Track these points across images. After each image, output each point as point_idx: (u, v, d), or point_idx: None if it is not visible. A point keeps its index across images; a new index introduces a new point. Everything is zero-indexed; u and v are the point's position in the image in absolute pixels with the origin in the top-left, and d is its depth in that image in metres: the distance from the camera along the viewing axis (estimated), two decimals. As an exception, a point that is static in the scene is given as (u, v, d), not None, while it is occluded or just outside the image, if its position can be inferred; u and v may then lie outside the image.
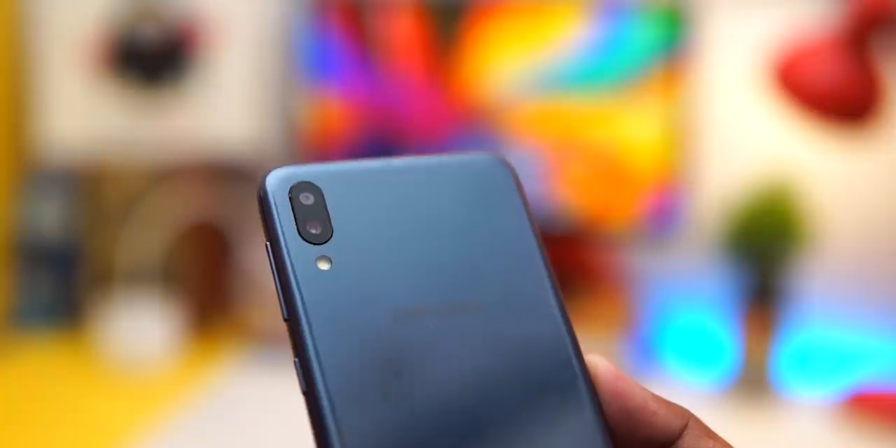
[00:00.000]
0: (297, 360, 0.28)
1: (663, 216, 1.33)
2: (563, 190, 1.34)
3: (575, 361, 0.30)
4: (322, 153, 1.38)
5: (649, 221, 1.33)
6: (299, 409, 1.13)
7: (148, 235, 1.35)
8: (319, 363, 0.28)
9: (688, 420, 0.30)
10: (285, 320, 0.29)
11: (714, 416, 1.16)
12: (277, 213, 0.30)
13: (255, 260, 1.40)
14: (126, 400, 1.15)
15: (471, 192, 0.32)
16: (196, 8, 1.34)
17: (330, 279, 0.29)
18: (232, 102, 1.35)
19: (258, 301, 1.31)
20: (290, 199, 0.31)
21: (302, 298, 0.29)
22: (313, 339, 0.28)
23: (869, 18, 1.06)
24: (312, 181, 0.31)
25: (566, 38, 1.32)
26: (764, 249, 1.23)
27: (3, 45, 1.34)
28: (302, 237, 0.30)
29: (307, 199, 0.31)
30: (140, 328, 1.28)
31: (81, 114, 1.34)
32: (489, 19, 1.34)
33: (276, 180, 0.31)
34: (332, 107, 1.38)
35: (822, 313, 1.38)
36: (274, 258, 0.30)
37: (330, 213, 0.31)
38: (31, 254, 1.37)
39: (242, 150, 1.36)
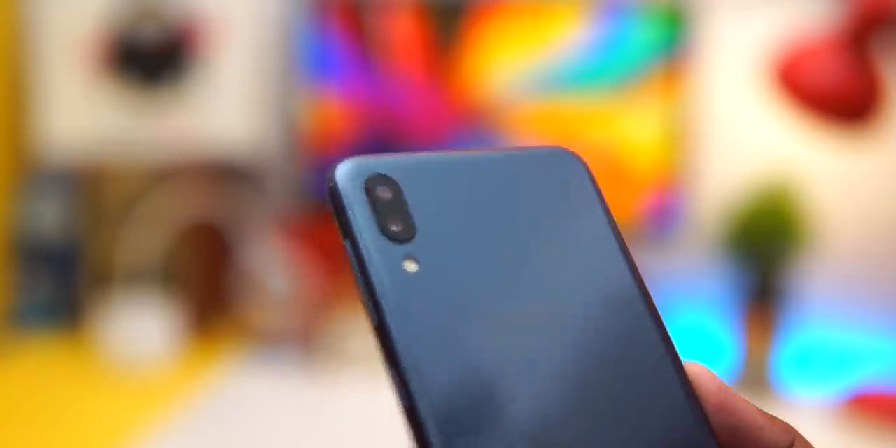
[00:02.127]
0: (393, 372, 0.26)
1: (663, 216, 1.33)
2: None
3: (675, 371, 0.29)
4: (322, 153, 1.38)
5: (649, 221, 1.33)
6: (298, 408, 1.13)
7: (148, 235, 1.35)
8: (421, 378, 0.26)
9: (794, 438, 0.29)
10: (375, 328, 0.27)
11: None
12: (355, 208, 0.28)
13: (255, 260, 1.39)
14: (126, 400, 1.15)
15: (549, 187, 0.31)
16: (196, 8, 1.34)
17: (419, 282, 0.27)
18: (232, 102, 1.35)
19: (258, 301, 1.31)
20: (367, 192, 0.28)
21: (394, 304, 0.26)
22: (411, 350, 0.26)
23: (869, 18, 1.06)
24: (388, 173, 0.29)
25: (566, 38, 1.32)
26: (764, 249, 1.23)
27: (3, 45, 1.34)
28: (385, 235, 0.27)
29: (385, 192, 0.28)
30: (140, 328, 1.28)
31: (81, 114, 1.34)
32: (489, 19, 1.34)
33: (349, 172, 0.28)
34: (332, 107, 1.38)
35: (822, 313, 1.38)
36: (357, 259, 0.27)
37: (410, 208, 0.28)
38: (30, 254, 1.37)
39: (242, 150, 1.36)
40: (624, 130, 1.32)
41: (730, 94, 1.39)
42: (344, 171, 0.28)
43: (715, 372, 0.29)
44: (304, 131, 1.38)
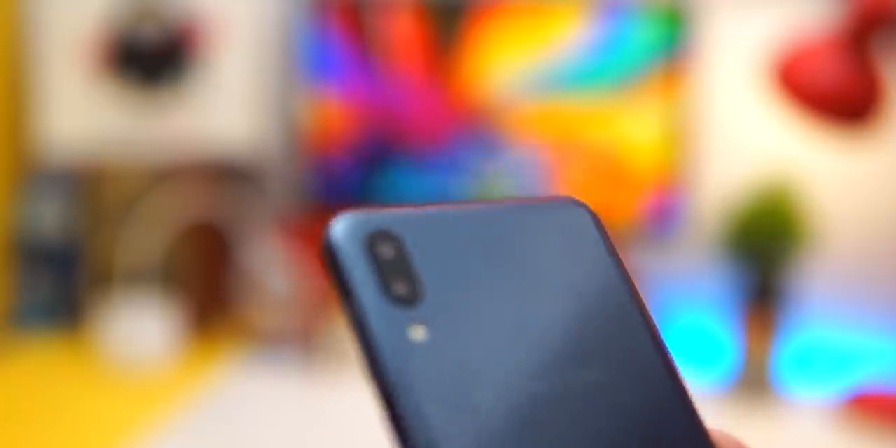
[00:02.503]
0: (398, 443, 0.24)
1: (663, 216, 1.33)
2: (563, 190, 1.34)
3: (702, 439, 0.27)
4: (322, 153, 1.38)
5: (649, 221, 1.33)
6: (298, 408, 1.13)
7: (148, 235, 1.35)
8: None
9: None
10: (381, 401, 0.24)
11: (715, 416, 1.16)
12: (355, 268, 0.25)
13: (255, 260, 1.39)
14: (126, 400, 1.15)
15: (558, 240, 0.29)
16: (196, 8, 1.34)
17: (428, 351, 0.25)
18: (232, 102, 1.35)
19: (258, 301, 1.31)
20: (368, 251, 0.26)
21: (400, 377, 0.24)
22: (420, 424, 0.24)
23: (869, 18, 1.06)
24: (390, 230, 0.26)
25: (566, 38, 1.32)
26: (764, 249, 1.23)
27: (3, 45, 1.34)
28: (388, 299, 0.25)
29: (387, 251, 0.26)
30: (140, 328, 1.28)
31: (81, 114, 1.34)
32: (489, 19, 1.34)
33: (347, 229, 0.26)
34: (332, 107, 1.37)
35: (822, 313, 1.38)
36: (358, 326, 0.25)
37: (414, 268, 0.26)
38: (30, 254, 1.37)
39: (242, 150, 1.35)
40: (624, 130, 1.32)
41: (730, 94, 1.39)
42: (341, 229, 0.26)
43: (739, 441, 0.28)
44: (304, 131, 1.38)
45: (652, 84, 1.31)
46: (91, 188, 1.36)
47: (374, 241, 0.26)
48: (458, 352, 0.25)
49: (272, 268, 1.30)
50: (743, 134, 1.39)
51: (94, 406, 1.13)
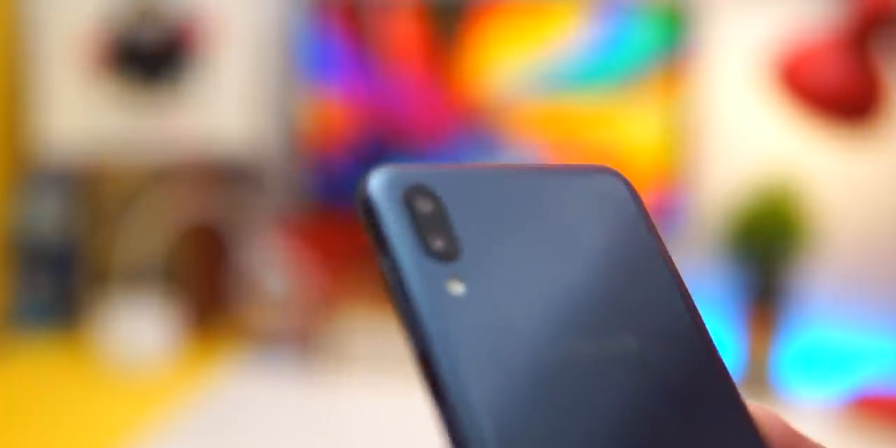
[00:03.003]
0: (439, 405, 0.23)
1: (665, 216, 1.32)
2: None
3: (740, 409, 0.26)
4: (322, 153, 1.38)
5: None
6: (298, 409, 1.12)
7: (147, 235, 1.35)
8: (471, 413, 0.23)
9: None
10: (418, 357, 0.24)
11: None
12: (393, 223, 0.25)
13: (255, 260, 1.39)
14: (125, 400, 1.15)
15: (595, 208, 0.28)
16: (195, 8, 1.34)
17: (466, 306, 0.24)
18: (231, 102, 1.34)
19: (256, 301, 1.30)
20: (406, 205, 0.25)
21: (439, 331, 0.24)
22: (459, 381, 0.23)
23: (870, 18, 1.05)
24: (428, 185, 0.26)
25: (566, 38, 1.32)
26: (766, 249, 1.22)
27: (2, 44, 1.33)
28: (426, 253, 0.25)
29: (425, 205, 0.25)
30: (139, 328, 1.27)
31: (80, 114, 1.34)
32: (489, 19, 1.34)
33: (385, 182, 0.25)
34: (332, 107, 1.37)
35: (824, 313, 1.38)
36: (397, 281, 0.24)
37: (452, 223, 0.26)
38: (29, 254, 1.36)
39: (242, 150, 1.35)
40: (624, 130, 1.32)
41: (731, 93, 1.39)
42: (379, 182, 0.25)
43: (780, 415, 0.27)
44: (304, 131, 1.38)
45: (652, 84, 1.30)
46: (90, 188, 1.36)
47: (411, 195, 0.26)
48: (496, 308, 0.25)
49: (271, 268, 1.29)
50: (744, 133, 1.39)
51: (92, 406, 1.13)
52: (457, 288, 0.25)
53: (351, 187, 1.38)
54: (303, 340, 1.28)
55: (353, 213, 1.37)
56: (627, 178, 0.28)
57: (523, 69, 1.34)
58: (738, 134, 1.39)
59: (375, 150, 1.37)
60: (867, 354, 1.36)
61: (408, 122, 1.36)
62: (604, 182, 0.29)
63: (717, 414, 0.26)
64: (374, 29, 1.36)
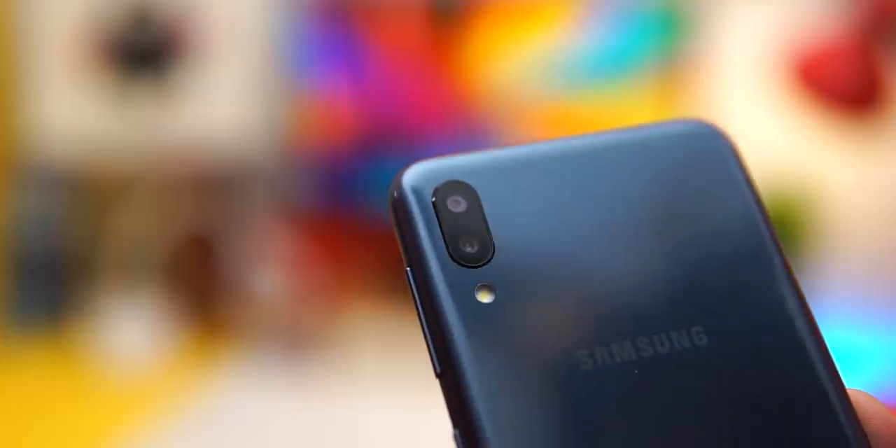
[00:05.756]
0: (463, 429, 0.21)
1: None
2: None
3: (840, 400, 0.24)
4: (317, 154, 1.37)
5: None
6: (291, 413, 1.12)
7: (140, 235, 1.35)
8: (500, 441, 0.21)
9: None
10: (438, 376, 0.22)
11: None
12: (421, 223, 0.23)
13: (248, 262, 1.38)
14: (117, 403, 1.14)
15: (677, 180, 0.24)
16: (190, 6, 1.34)
17: (495, 316, 0.22)
18: (226, 102, 1.35)
19: (250, 304, 1.30)
20: (435, 205, 0.23)
21: (462, 347, 0.22)
22: (485, 408, 0.21)
23: (879, 18, 1.05)
24: (464, 180, 0.23)
25: (566, 38, 1.32)
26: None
27: (-5, 42, 1.33)
28: (454, 258, 0.23)
29: (457, 204, 0.23)
30: (131, 330, 1.26)
31: (74, 112, 1.34)
32: (489, 19, 1.33)
33: (416, 178, 0.23)
34: (327, 106, 1.37)
35: (834, 316, 1.37)
36: (418, 290, 0.22)
37: (489, 222, 0.23)
38: (21, 254, 1.35)
39: (237, 149, 1.35)
40: (627, 131, 1.31)
41: (732, 94, 1.38)
42: (410, 178, 0.23)
43: (879, 399, 0.24)
44: (300, 130, 1.38)
45: (652, 84, 1.31)
46: (84, 187, 1.36)
47: (444, 192, 0.23)
48: (529, 318, 0.22)
49: (265, 269, 1.29)
50: (747, 134, 1.38)
51: (87, 410, 1.12)
52: (485, 297, 0.22)
53: (348, 187, 1.37)
54: (297, 343, 1.28)
55: (351, 214, 1.37)
56: (727, 133, 0.24)
57: (522, 69, 1.33)
58: (740, 134, 1.38)
59: (374, 150, 1.37)
60: (878, 356, 1.36)
61: (406, 122, 1.36)
62: (692, 142, 0.25)
63: (809, 397, 0.24)
64: (370, 28, 1.36)
